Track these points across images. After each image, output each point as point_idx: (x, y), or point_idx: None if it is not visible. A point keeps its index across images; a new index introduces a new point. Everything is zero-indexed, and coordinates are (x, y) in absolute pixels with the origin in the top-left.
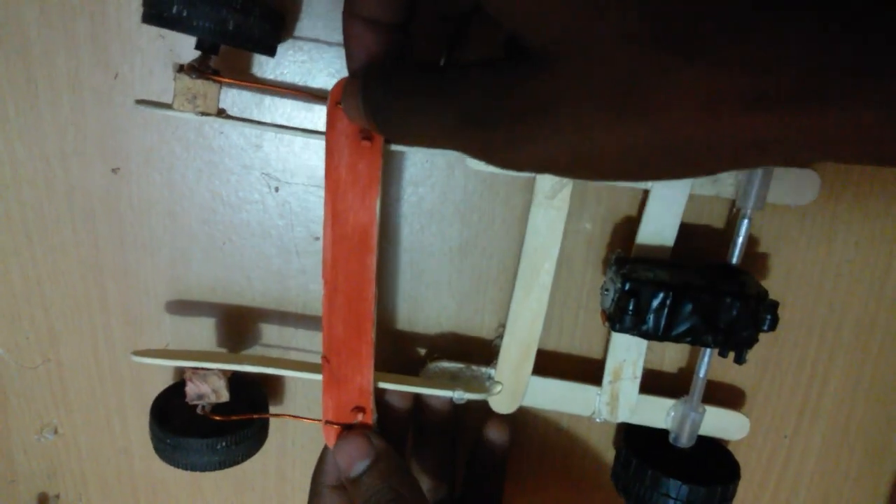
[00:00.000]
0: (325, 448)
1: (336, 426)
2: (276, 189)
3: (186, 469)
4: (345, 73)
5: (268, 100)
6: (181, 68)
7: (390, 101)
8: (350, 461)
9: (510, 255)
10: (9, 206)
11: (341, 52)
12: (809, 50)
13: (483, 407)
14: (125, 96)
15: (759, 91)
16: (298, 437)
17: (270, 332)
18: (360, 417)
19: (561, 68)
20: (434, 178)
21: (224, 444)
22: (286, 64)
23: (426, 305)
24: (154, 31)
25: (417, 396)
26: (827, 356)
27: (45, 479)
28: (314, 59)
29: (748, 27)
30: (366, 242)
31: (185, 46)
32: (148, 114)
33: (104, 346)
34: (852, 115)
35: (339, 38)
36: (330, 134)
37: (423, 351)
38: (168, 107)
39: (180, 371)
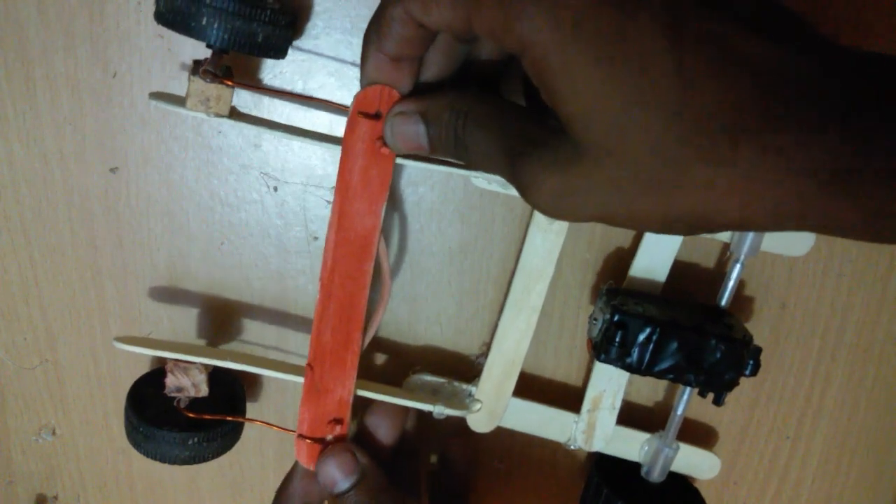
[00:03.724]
0: (294, 467)
1: (309, 441)
2: (275, 189)
3: (155, 459)
4: (343, 73)
5: (267, 99)
6: (195, 70)
7: (468, 134)
8: (334, 478)
9: (510, 254)
10: (7, 205)
11: (339, 51)
12: (802, 165)
13: (450, 426)
14: (123, 96)
15: (757, 193)
16: None
17: (269, 334)
18: (337, 429)
19: (600, 160)
20: (434, 178)
21: (195, 440)
22: (286, 63)
23: (426, 305)
24: (152, 30)
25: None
26: (829, 357)
27: (43, 480)
28: (313, 59)
29: (757, 145)
30: (367, 249)
31: (184, 46)
32: (146, 113)
33: (102, 347)
34: (832, 211)
35: (338, 37)
36: (348, 139)
37: (413, 356)
38: (181, 102)
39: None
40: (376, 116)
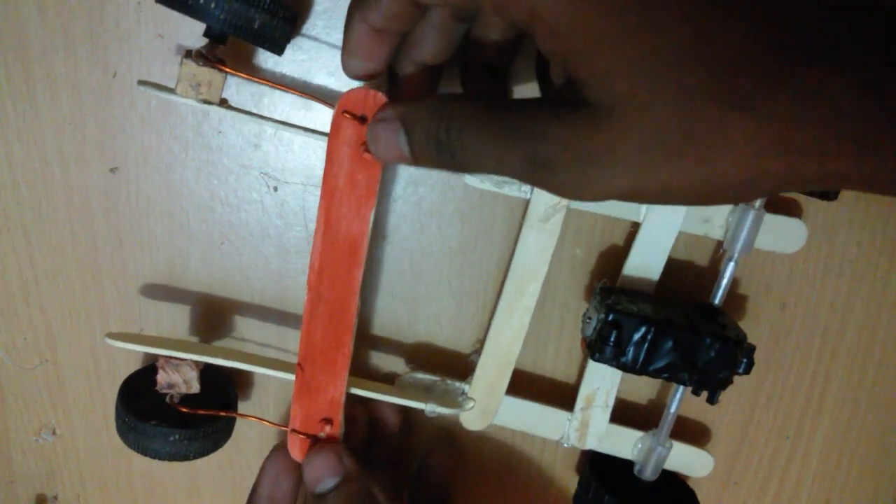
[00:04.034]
0: (266, 460)
1: (301, 436)
2: (275, 189)
3: (136, 451)
4: (343, 73)
5: (266, 98)
6: (188, 54)
7: (454, 139)
8: (318, 476)
9: (510, 254)
10: (7, 206)
11: (339, 51)
12: (845, 107)
13: (433, 430)
14: (123, 96)
15: (802, 141)
16: None
17: (269, 333)
18: (327, 429)
19: (626, 120)
20: (434, 178)
21: (176, 437)
22: (285, 63)
23: (426, 305)
24: (152, 30)
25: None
26: (829, 356)
27: (44, 480)
28: (313, 59)
29: (791, 88)
30: (355, 254)
31: (185, 46)
32: (146, 113)
33: (102, 347)
34: (884, 160)
35: (338, 37)
36: (332, 142)
37: (410, 354)
38: (171, 91)
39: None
40: (362, 119)
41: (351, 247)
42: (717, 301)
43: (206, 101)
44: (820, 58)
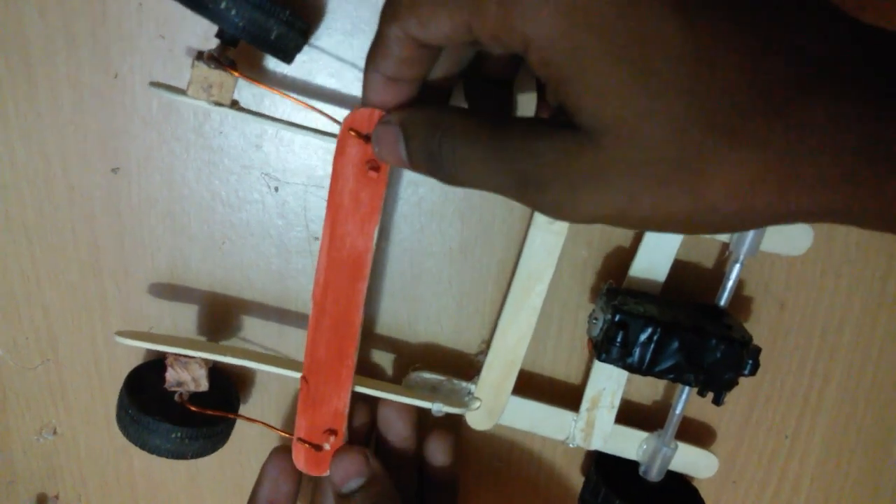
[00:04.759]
0: (266, 463)
1: (307, 446)
2: (276, 189)
3: (137, 445)
4: (343, 75)
5: (267, 100)
6: (200, 55)
7: (447, 152)
8: (345, 476)
9: (510, 254)
10: (8, 205)
11: (340, 53)
12: (841, 140)
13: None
14: (125, 97)
15: (796, 175)
16: None
17: (270, 333)
18: (331, 440)
19: (615, 145)
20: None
21: (178, 434)
22: (285, 64)
23: (426, 305)
24: (154, 31)
25: (379, 423)
26: (828, 356)
27: (45, 479)
28: (314, 60)
29: (787, 121)
30: (359, 269)
31: (186, 48)
32: (148, 114)
33: (104, 347)
34: (879, 195)
35: (339, 39)
36: (338, 160)
37: (413, 354)
38: (182, 92)
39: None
40: (367, 138)
41: (355, 262)
42: (722, 302)
43: (217, 103)
44: (822, 89)
